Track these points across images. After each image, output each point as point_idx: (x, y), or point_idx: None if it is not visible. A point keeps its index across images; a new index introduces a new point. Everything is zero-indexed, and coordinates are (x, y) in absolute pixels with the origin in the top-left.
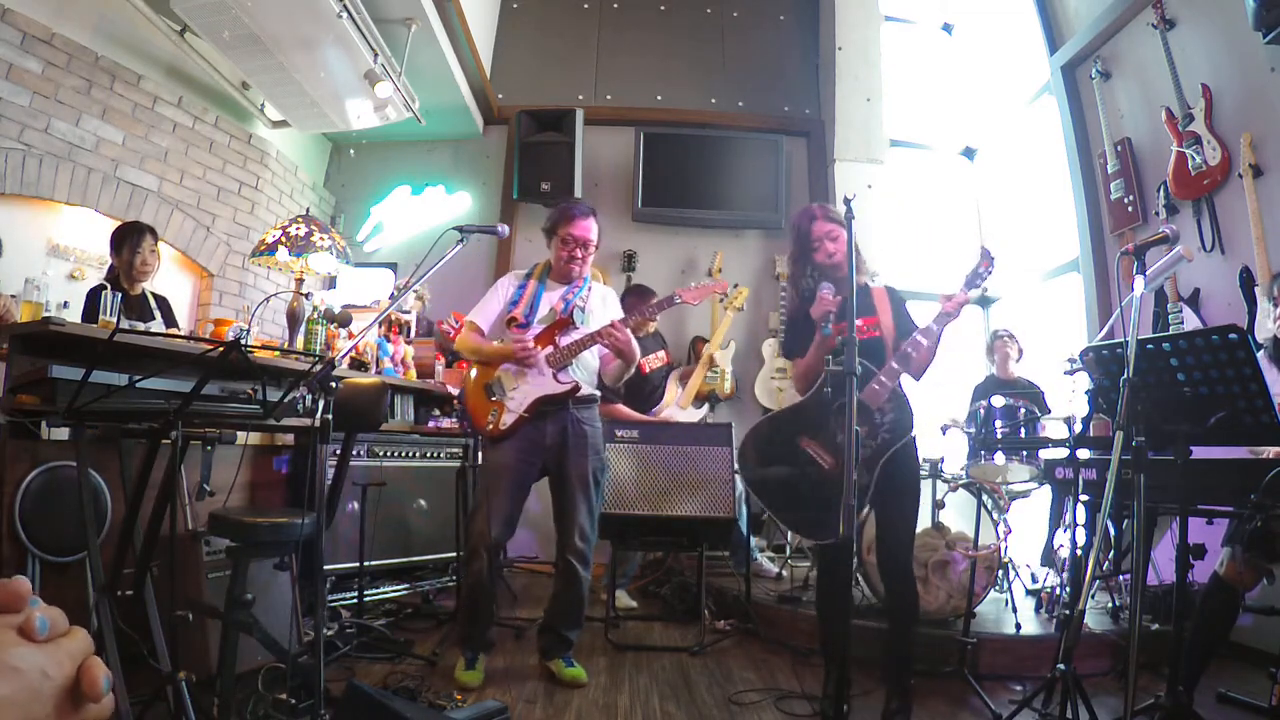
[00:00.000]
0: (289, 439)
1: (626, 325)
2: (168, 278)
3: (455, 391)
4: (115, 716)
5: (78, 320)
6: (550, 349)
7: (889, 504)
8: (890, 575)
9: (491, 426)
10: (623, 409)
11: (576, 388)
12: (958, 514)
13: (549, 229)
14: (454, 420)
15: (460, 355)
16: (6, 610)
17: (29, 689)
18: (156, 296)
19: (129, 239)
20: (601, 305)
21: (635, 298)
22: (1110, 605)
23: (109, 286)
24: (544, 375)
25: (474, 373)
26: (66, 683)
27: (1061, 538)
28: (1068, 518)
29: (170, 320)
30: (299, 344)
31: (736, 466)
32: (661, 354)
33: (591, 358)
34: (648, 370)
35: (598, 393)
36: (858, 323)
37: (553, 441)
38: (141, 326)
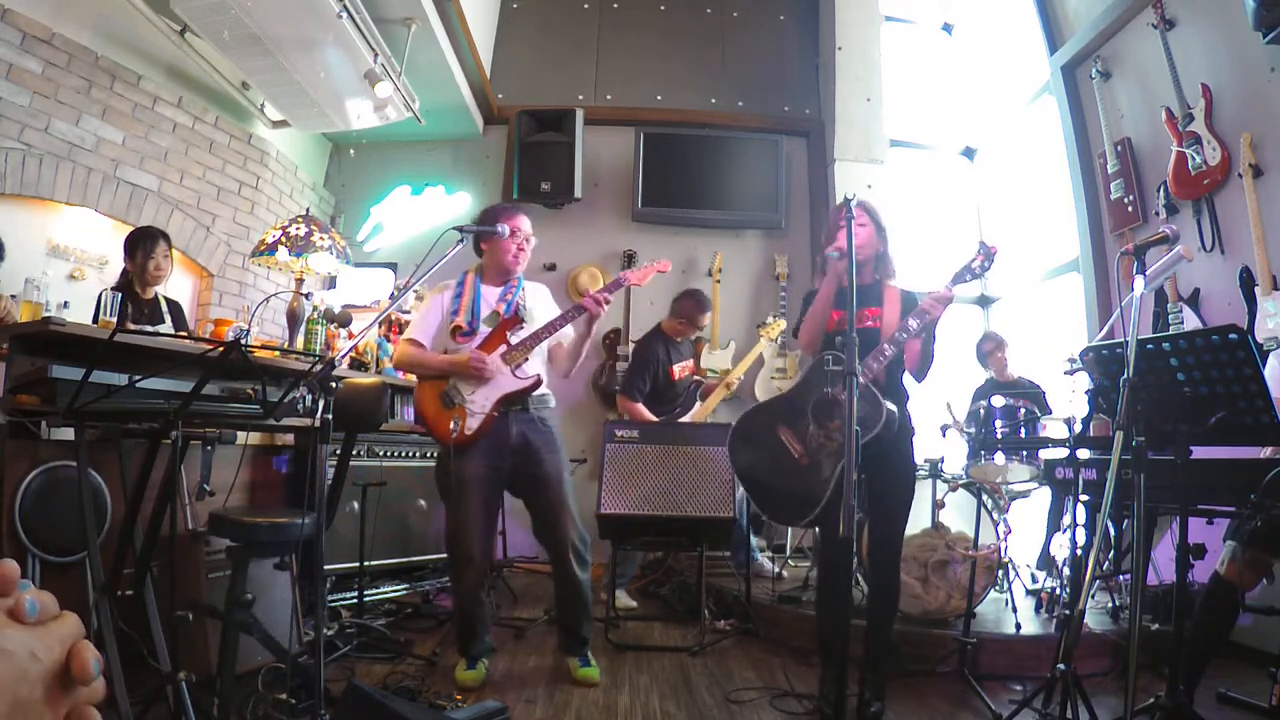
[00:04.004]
0: (289, 439)
1: (605, 294)
2: (169, 278)
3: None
4: (115, 717)
5: (83, 322)
6: (503, 348)
7: (875, 500)
8: (878, 569)
9: (457, 434)
10: (642, 410)
11: (539, 381)
12: (958, 514)
13: (491, 234)
14: None
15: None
16: None
17: (18, 671)
18: (169, 300)
19: (142, 244)
20: (538, 303)
21: (690, 301)
22: (1110, 605)
23: (118, 289)
24: (502, 374)
25: (425, 386)
26: (56, 666)
27: (1060, 539)
28: (1066, 519)
29: (180, 324)
30: (299, 344)
31: (729, 449)
32: (689, 363)
33: (542, 351)
34: (677, 377)
35: (550, 393)
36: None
37: (519, 443)
38: (149, 329)
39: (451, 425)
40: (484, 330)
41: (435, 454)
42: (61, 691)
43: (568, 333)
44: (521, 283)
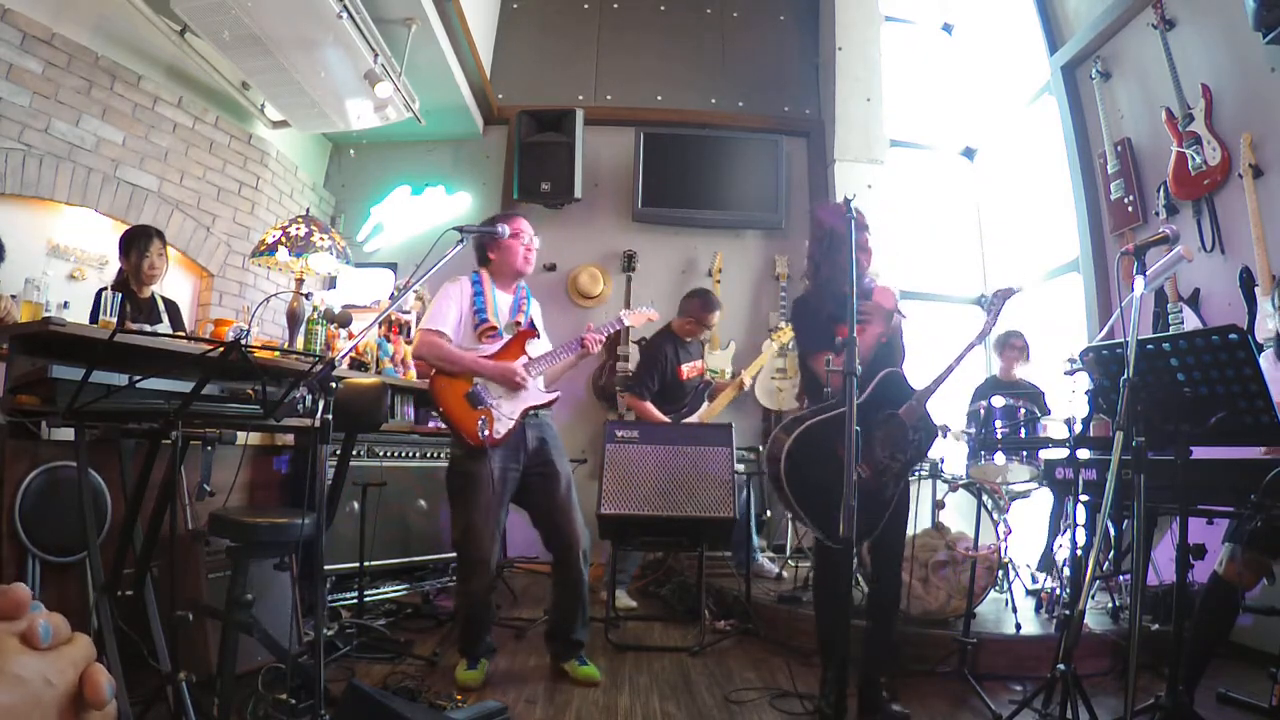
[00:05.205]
0: (289, 439)
1: (599, 335)
2: (168, 278)
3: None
4: (116, 717)
5: (83, 321)
6: (524, 359)
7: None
8: (883, 571)
9: (486, 435)
10: (650, 408)
11: (558, 398)
12: (958, 514)
13: (494, 237)
14: None
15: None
16: (7, 617)
17: (32, 697)
18: (165, 300)
19: (136, 243)
20: (537, 313)
21: (697, 300)
22: (1110, 605)
23: (115, 289)
24: (527, 385)
25: (448, 382)
26: (69, 690)
27: (1061, 540)
28: (1067, 523)
29: (178, 324)
30: (299, 344)
31: (782, 469)
32: (699, 363)
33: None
34: (685, 376)
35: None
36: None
37: (535, 446)
38: (148, 329)
39: (479, 425)
40: (505, 336)
41: (437, 454)
42: (75, 716)
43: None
44: (530, 294)
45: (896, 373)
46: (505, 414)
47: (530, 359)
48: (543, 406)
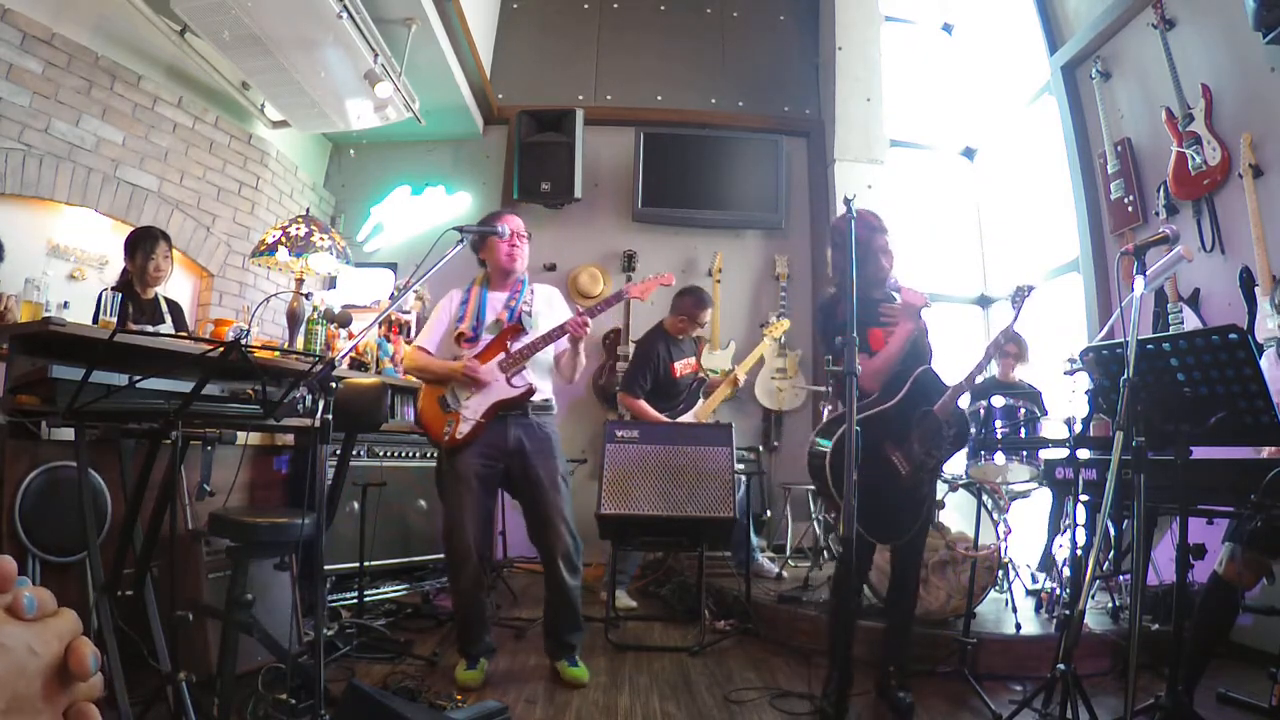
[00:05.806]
0: (289, 439)
1: (586, 317)
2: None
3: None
4: (115, 717)
5: (83, 322)
6: (502, 355)
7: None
8: (904, 565)
9: (449, 436)
10: (644, 406)
11: (531, 390)
12: (958, 514)
13: (482, 236)
14: None
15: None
16: None
17: (16, 666)
18: (169, 301)
19: (142, 245)
20: (547, 306)
21: (690, 298)
22: (1110, 605)
23: (118, 289)
24: (497, 381)
25: (428, 390)
26: (54, 661)
27: (1061, 540)
28: (1067, 523)
29: (181, 324)
30: (299, 344)
31: (827, 465)
32: (691, 360)
33: (546, 358)
34: (678, 374)
35: (552, 399)
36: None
37: (515, 446)
38: (149, 329)
39: (445, 427)
40: (487, 337)
41: (435, 455)
42: (60, 687)
43: (566, 342)
44: (526, 287)
45: (930, 370)
46: (470, 414)
47: (508, 354)
48: (516, 400)
